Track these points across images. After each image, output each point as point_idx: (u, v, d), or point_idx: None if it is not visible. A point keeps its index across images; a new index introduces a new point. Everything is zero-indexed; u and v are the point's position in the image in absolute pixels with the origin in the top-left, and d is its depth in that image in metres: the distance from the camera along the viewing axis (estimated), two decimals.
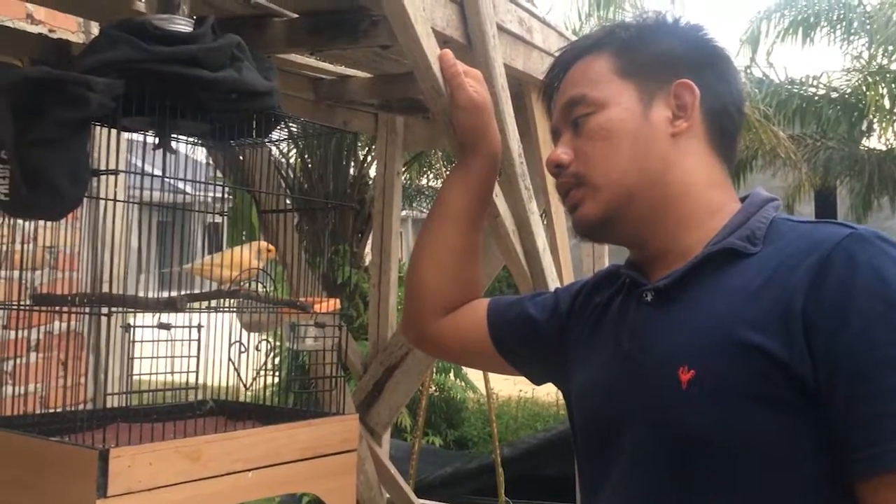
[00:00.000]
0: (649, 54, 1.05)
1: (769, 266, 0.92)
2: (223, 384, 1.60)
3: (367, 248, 6.16)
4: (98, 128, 1.45)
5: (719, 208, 1.01)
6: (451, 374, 7.52)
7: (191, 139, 1.58)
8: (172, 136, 1.45)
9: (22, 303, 1.53)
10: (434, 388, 7.23)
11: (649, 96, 1.03)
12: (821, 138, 9.90)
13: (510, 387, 8.43)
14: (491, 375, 4.87)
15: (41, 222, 1.50)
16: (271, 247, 1.75)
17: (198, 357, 1.35)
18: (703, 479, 0.90)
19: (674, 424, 0.92)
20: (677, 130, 1.02)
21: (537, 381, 1.28)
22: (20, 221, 1.60)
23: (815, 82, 10.15)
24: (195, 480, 1.31)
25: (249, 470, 1.38)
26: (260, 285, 1.61)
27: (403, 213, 9.51)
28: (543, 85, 1.16)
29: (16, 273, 1.87)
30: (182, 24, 1.37)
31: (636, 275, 1.05)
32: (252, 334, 1.56)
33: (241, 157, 2.11)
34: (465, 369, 7.57)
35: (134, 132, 1.51)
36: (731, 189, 1.06)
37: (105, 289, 1.54)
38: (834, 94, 10.02)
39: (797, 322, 0.86)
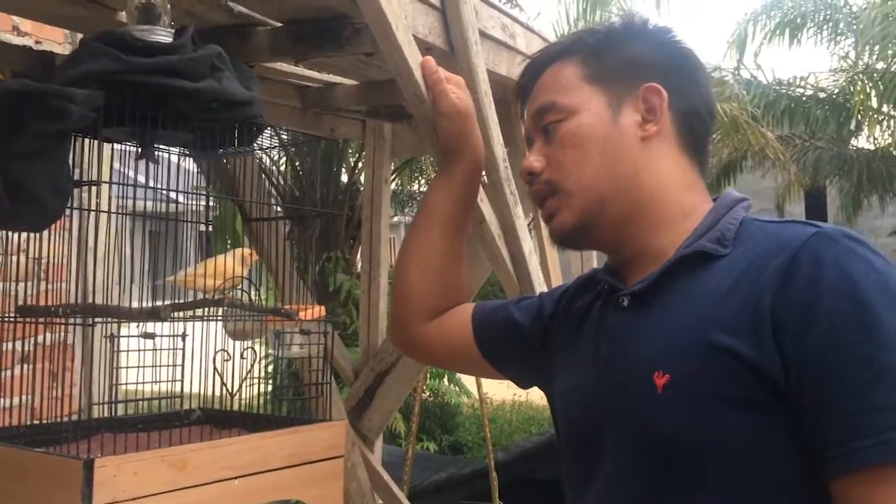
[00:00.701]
0: (617, 59, 1.06)
1: (739, 268, 0.93)
2: (211, 393, 1.61)
3: (360, 256, 6.16)
4: (84, 139, 1.45)
5: (692, 210, 1.02)
6: (446, 380, 7.52)
7: (175, 149, 1.58)
8: (154, 145, 1.46)
9: (8, 315, 1.53)
10: (428, 394, 7.23)
11: (618, 101, 1.04)
12: (809, 138, 9.93)
13: (504, 391, 8.42)
14: (484, 380, 4.88)
15: (29, 234, 1.50)
16: (253, 252, 1.75)
17: (182, 366, 1.35)
18: (680, 482, 0.91)
19: (650, 429, 0.92)
20: (647, 134, 1.03)
21: (523, 384, 1.29)
22: (7, 234, 1.61)
23: (802, 83, 10.18)
24: (181, 489, 1.31)
25: (236, 478, 1.38)
26: (244, 293, 1.62)
27: (395, 219, 9.52)
28: (515, 92, 1.17)
29: (3, 285, 1.87)
30: (162, 35, 1.38)
31: (613, 280, 1.06)
32: (237, 342, 1.57)
33: (227, 166, 2.11)
34: (460, 374, 7.57)
35: (116, 143, 1.52)
36: (704, 190, 1.06)
37: (93, 299, 1.55)
38: (822, 95, 10.05)
39: (766, 323, 0.87)
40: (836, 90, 9.97)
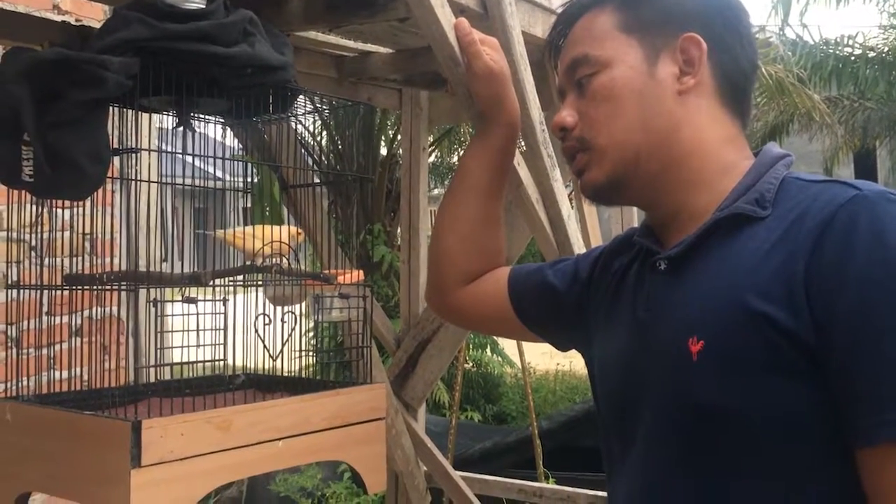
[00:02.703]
0: (655, 7, 1.02)
1: (777, 230, 0.90)
2: (254, 358, 1.63)
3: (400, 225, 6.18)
4: (125, 110, 1.48)
5: (732, 167, 0.99)
6: (488, 350, 7.55)
7: (212, 117, 1.60)
8: (192, 114, 1.47)
9: (57, 285, 1.56)
10: (471, 364, 7.27)
11: (655, 52, 1.00)
12: (858, 99, 9.68)
13: (547, 360, 8.44)
14: (526, 349, 4.89)
15: (77, 210, 1.54)
16: (300, 231, 1.77)
17: (224, 330, 1.38)
18: (716, 450, 0.89)
19: (686, 397, 0.91)
20: (684, 87, 0.99)
21: (562, 347, 1.28)
22: (57, 211, 1.65)
23: (850, 42, 9.89)
24: (227, 450, 1.34)
25: (279, 439, 1.41)
26: (285, 260, 1.63)
27: (436, 191, 9.52)
28: (547, 44, 1.14)
29: (55, 260, 1.91)
30: (194, 2, 1.38)
31: (650, 242, 1.03)
32: (278, 307, 1.59)
33: (264, 134, 2.13)
34: (502, 344, 7.60)
35: (154, 112, 1.54)
36: (745, 145, 1.03)
37: (136, 268, 1.58)
38: (871, 54, 9.76)
39: (800, 288, 0.85)
40: (886, 48, 9.67)
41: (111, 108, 1.39)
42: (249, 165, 1.82)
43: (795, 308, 0.84)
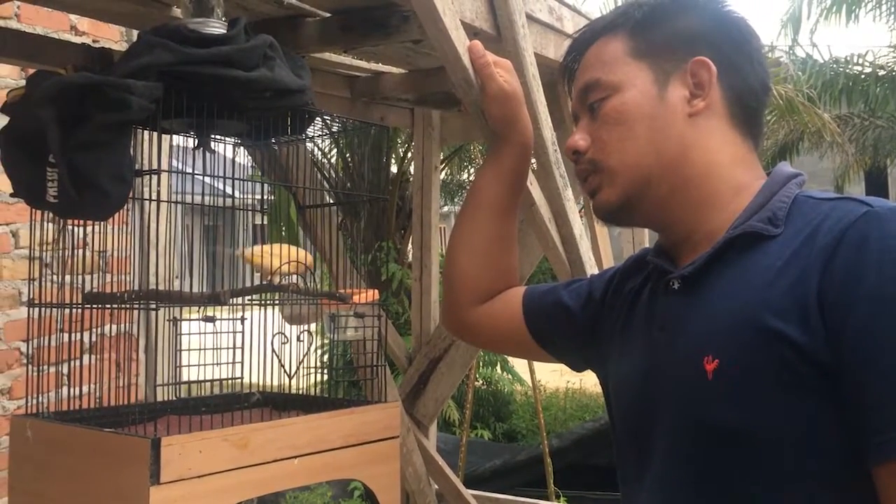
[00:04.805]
0: (664, 32, 1.03)
1: (790, 248, 0.90)
2: (269, 376, 1.64)
3: (411, 245, 6.19)
4: (143, 132, 1.50)
5: (744, 187, 0.99)
6: (498, 368, 7.53)
7: (230, 139, 1.62)
8: (211, 136, 1.50)
9: (76, 303, 1.58)
10: (481, 382, 7.26)
11: (665, 76, 1.01)
12: (869, 117, 9.67)
13: (557, 378, 8.41)
14: (537, 367, 4.88)
15: (92, 229, 1.56)
16: (310, 257, 1.78)
17: (242, 349, 1.39)
18: (733, 469, 0.89)
19: (701, 416, 0.91)
20: (695, 110, 1.00)
21: (577, 368, 1.28)
22: (72, 229, 1.67)
23: (860, 60, 9.88)
24: (244, 467, 1.35)
25: (295, 457, 1.42)
26: (301, 279, 1.65)
27: (445, 208, 9.53)
28: (561, 69, 1.16)
29: (71, 278, 1.94)
30: (216, 27, 1.41)
31: (663, 262, 1.04)
32: (294, 326, 1.60)
33: (279, 154, 2.15)
34: (512, 362, 7.59)
35: (175, 134, 1.56)
36: (758, 166, 1.03)
37: (155, 287, 1.60)
38: (881, 72, 9.75)
39: (813, 305, 0.85)
40: None
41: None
42: (264, 185, 1.84)
43: (809, 325, 0.85)
